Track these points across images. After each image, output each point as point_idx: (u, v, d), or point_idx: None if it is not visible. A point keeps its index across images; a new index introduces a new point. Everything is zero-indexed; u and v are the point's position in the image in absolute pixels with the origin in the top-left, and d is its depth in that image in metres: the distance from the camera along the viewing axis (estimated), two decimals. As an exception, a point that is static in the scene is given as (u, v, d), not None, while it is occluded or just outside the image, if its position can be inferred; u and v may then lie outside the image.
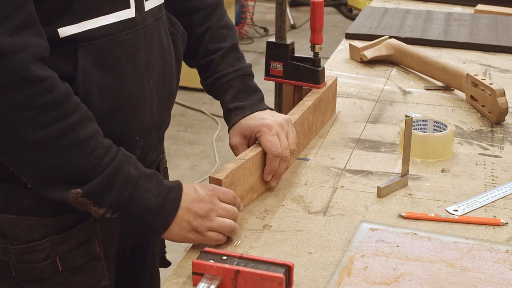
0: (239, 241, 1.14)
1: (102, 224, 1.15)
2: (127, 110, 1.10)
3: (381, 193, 1.29)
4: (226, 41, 1.34)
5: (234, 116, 1.31)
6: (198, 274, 1.00)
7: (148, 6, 1.12)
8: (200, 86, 1.38)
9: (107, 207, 1.02)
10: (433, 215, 1.22)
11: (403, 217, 1.22)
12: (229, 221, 1.11)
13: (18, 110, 0.93)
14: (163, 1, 1.18)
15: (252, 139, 1.29)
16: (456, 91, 1.79)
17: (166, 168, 1.40)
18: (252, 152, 1.25)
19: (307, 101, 1.48)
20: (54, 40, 0.99)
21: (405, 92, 1.80)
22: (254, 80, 1.37)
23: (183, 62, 1.30)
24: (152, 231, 1.09)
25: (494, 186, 1.34)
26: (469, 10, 2.59)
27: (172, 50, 1.21)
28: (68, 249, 1.11)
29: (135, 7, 1.08)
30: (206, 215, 1.09)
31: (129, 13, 1.07)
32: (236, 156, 1.27)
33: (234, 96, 1.32)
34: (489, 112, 1.62)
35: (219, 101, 1.35)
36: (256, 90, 1.35)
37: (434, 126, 1.50)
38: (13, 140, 0.95)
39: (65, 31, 1.00)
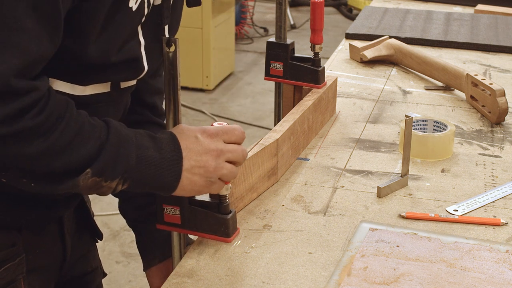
0: (239, 241, 1.14)
1: (29, 262, 1.12)
2: None
3: (381, 193, 1.29)
4: None
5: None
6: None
7: (123, 85, 1.13)
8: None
9: (118, 177, 0.97)
10: (433, 215, 1.22)
11: (403, 217, 1.22)
12: (235, 168, 1.07)
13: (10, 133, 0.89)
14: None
15: None
16: (456, 91, 1.79)
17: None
18: (252, 152, 1.25)
19: (308, 101, 1.48)
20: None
21: (405, 92, 1.80)
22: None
23: None
24: (165, 188, 1.03)
25: (494, 186, 1.34)
26: (469, 10, 2.59)
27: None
28: None
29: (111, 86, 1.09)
30: (216, 166, 1.04)
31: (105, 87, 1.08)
32: None
33: None
34: (489, 112, 1.62)
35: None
36: None
37: (434, 126, 1.50)
38: (11, 160, 0.91)
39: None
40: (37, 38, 0.89)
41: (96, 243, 1.38)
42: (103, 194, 1.00)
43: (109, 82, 1.08)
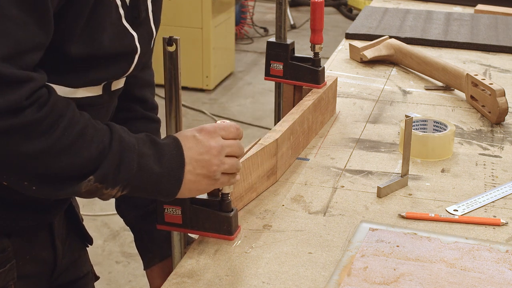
0: (239, 241, 1.14)
1: (19, 269, 1.11)
2: None
3: (381, 193, 1.29)
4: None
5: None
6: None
7: (113, 87, 1.12)
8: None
9: (119, 185, 0.97)
10: (433, 215, 1.22)
11: (403, 217, 1.22)
12: (236, 160, 1.07)
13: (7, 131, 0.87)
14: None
15: None
16: (456, 91, 1.79)
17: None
18: (251, 152, 1.25)
19: (307, 101, 1.48)
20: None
21: (405, 92, 1.80)
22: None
23: None
24: (164, 195, 1.03)
25: (494, 186, 1.34)
26: (469, 10, 2.59)
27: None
28: None
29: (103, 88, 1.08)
30: (218, 163, 1.04)
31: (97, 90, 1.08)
32: None
33: None
34: (489, 112, 1.62)
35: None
36: None
37: (434, 126, 1.50)
38: (13, 159, 0.89)
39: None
40: (23, 25, 0.87)
41: (88, 246, 1.36)
42: (102, 199, 1.00)
43: (101, 85, 1.07)
